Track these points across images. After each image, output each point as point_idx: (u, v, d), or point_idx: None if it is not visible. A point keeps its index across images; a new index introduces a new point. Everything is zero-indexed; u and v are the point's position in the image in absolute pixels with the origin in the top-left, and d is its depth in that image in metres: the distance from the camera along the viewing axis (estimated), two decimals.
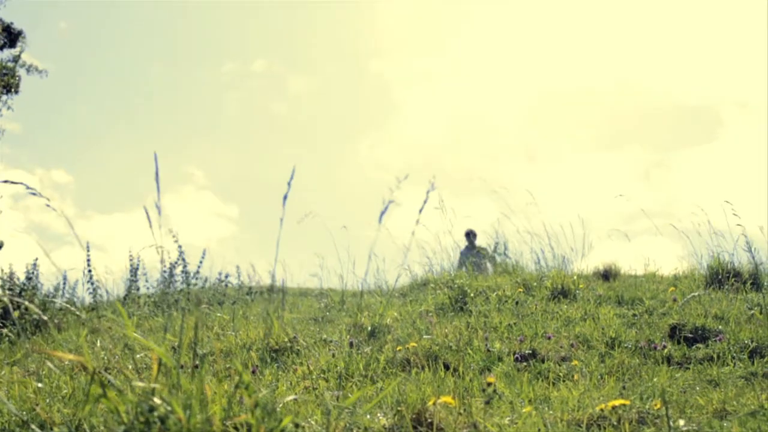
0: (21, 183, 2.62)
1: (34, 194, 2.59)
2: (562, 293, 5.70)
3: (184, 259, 8.28)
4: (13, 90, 18.31)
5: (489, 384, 2.79)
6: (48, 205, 2.62)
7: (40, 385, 3.34)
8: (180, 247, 8.31)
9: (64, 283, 8.42)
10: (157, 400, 2.02)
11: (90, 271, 8.09)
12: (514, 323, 4.78)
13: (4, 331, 6.30)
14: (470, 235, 12.41)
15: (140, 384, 1.98)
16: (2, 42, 18.22)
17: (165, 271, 8.30)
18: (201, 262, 8.37)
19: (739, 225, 5.90)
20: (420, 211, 2.51)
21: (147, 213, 2.44)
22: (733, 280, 5.81)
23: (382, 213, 2.62)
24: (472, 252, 12.13)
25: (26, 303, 2.57)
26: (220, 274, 8.48)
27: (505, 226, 11.07)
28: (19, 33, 18.59)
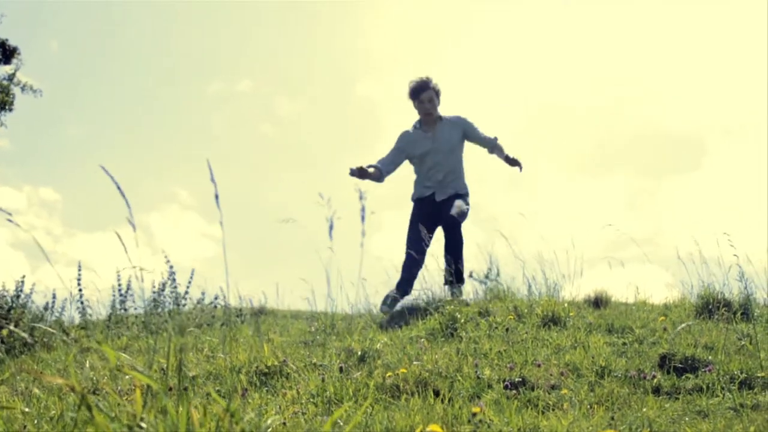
0: None
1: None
2: (553, 320, 5.69)
3: (174, 279, 8.27)
4: (7, 107, 18.33)
5: (474, 414, 2.79)
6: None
7: (27, 409, 3.32)
8: (171, 267, 8.31)
9: (53, 302, 8.39)
10: (143, 425, 2.01)
11: (81, 290, 8.07)
12: (505, 350, 4.78)
13: None
14: (421, 90, 7.18)
15: (128, 409, 1.97)
16: None
17: (154, 292, 8.29)
18: (189, 282, 8.35)
19: (735, 255, 5.90)
20: (362, 219, 2.51)
21: (120, 235, 2.44)
22: (723, 309, 5.81)
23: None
24: (427, 134, 7.29)
25: (11, 327, 2.55)
26: (203, 294, 8.46)
27: (496, 250, 10.47)
28: (14, 50, 18.64)
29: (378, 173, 7.17)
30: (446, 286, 6.97)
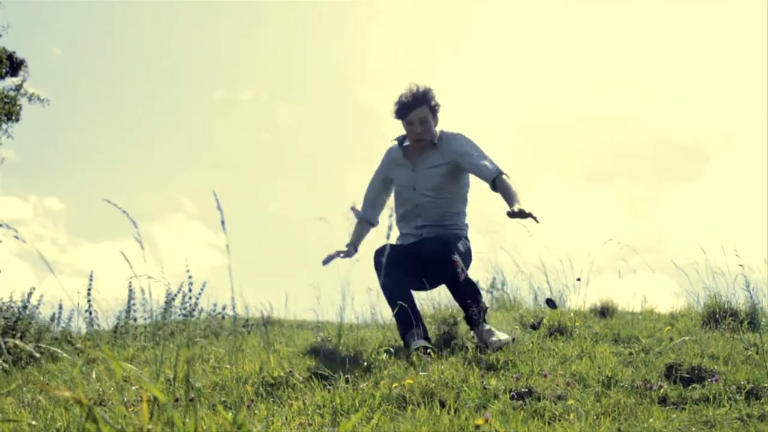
0: None
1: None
2: (559, 330, 5.68)
3: (191, 290, 8.25)
4: (14, 118, 18.46)
5: (477, 426, 2.79)
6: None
7: (33, 422, 3.33)
8: (190, 277, 8.30)
9: (60, 313, 8.42)
10: None
11: (90, 301, 8.08)
12: (511, 360, 4.77)
13: None
14: (411, 107, 5.32)
15: (134, 421, 1.98)
16: (5, 71, 18.39)
17: (166, 302, 8.30)
18: (200, 292, 8.34)
19: (740, 265, 5.88)
20: (387, 237, 2.49)
21: (125, 249, 2.44)
22: (730, 319, 5.80)
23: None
24: (408, 162, 5.54)
25: (15, 341, 2.56)
26: (215, 306, 8.45)
27: (501, 260, 10.17)
28: (21, 62, 18.79)
29: (360, 237, 5.76)
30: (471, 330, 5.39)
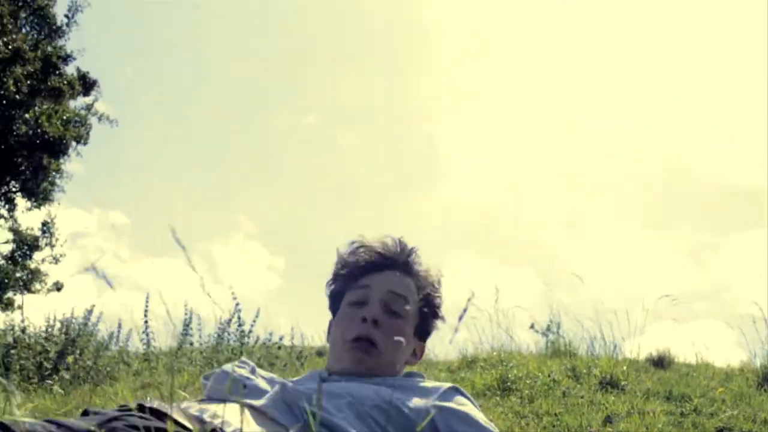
0: None
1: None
2: (611, 383, 5.64)
3: (240, 317, 8.27)
4: (82, 142, 18.84)
5: None
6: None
7: None
8: (238, 304, 8.35)
9: (119, 331, 8.55)
10: None
11: (146, 321, 8.21)
12: (560, 413, 4.76)
13: (55, 379, 6.43)
14: (387, 262, 2.29)
15: None
16: (78, 91, 18.83)
17: (220, 327, 8.37)
18: (254, 321, 8.37)
19: None
20: (460, 319, 1.83)
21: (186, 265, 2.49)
22: None
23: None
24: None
25: (65, 375, 2.66)
26: (270, 334, 8.45)
27: (557, 303, 10.01)
28: (94, 83, 19.22)
29: None
30: None
